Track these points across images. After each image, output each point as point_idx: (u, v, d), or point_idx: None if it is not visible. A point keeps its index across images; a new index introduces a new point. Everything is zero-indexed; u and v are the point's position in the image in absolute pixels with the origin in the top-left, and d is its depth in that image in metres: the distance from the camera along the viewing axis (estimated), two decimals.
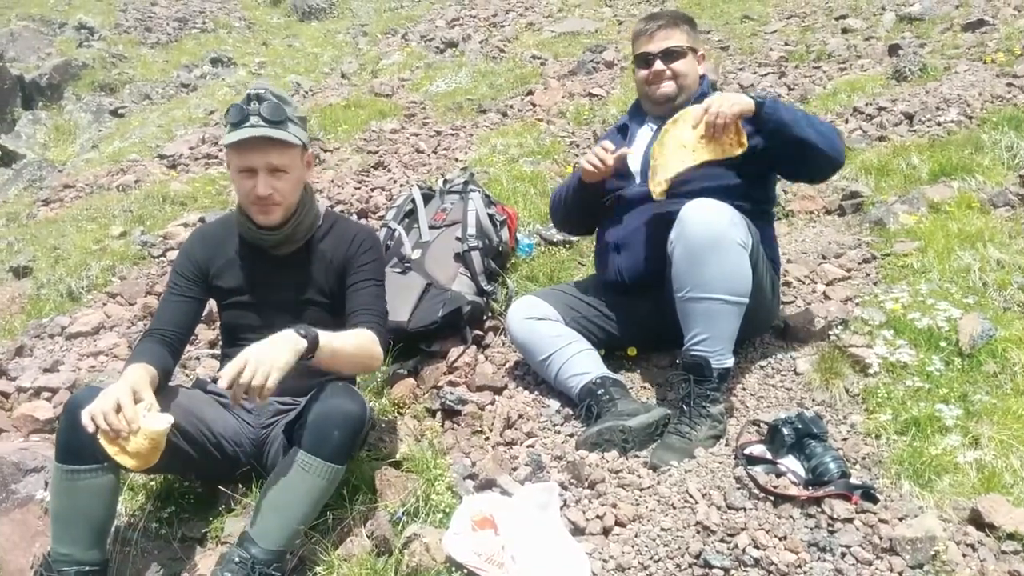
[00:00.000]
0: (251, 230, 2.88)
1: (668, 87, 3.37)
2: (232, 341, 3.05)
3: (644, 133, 3.46)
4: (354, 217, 5.49)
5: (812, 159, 3.10)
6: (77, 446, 2.48)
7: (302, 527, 2.52)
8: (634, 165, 3.38)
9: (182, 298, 2.95)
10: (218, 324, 4.26)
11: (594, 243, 3.67)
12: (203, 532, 2.91)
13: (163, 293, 3.05)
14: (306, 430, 2.49)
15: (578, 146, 6.58)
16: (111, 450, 2.42)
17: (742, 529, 2.43)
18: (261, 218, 2.83)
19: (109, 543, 2.69)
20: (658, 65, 3.36)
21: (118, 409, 2.40)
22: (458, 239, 4.01)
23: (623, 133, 3.54)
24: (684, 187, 3.09)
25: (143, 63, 14.27)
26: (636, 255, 3.29)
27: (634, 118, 3.58)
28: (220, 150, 8.12)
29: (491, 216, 4.19)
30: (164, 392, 2.67)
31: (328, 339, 2.60)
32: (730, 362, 2.96)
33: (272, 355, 2.42)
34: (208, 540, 2.88)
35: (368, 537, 2.62)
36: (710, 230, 2.82)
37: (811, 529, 2.42)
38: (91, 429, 2.39)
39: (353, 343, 2.72)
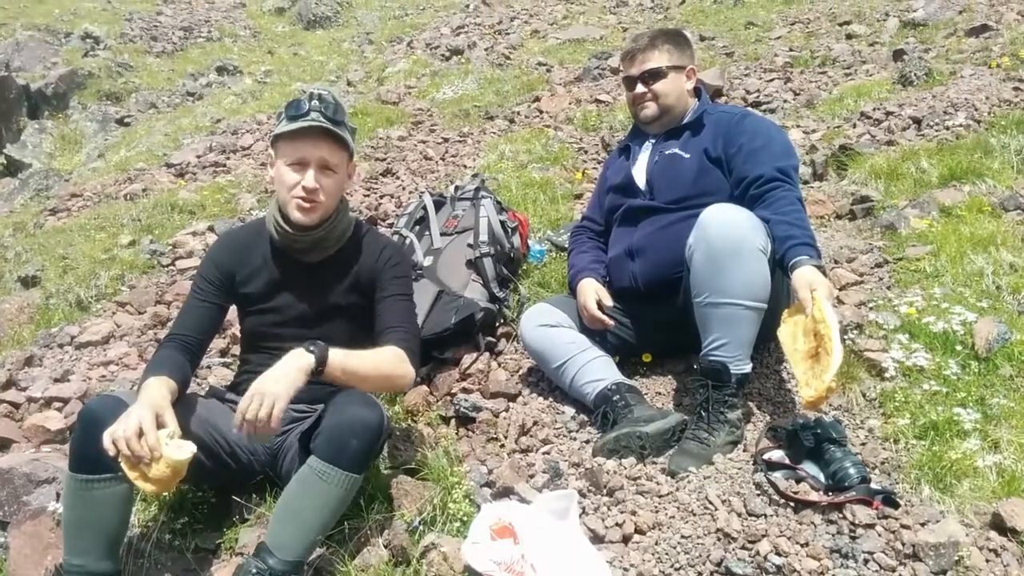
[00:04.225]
0: (285, 231, 2.84)
1: (649, 109, 3.48)
2: (252, 348, 3.04)
3: (645, 150, 3.55)
4: None
5: None
6: (91, 455, 2.45)
7: (319, 537, 2.49)
8: (639, 180, 3.47)
9: (205, 303, 2.93)
10: (228, 333, 4.29)
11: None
12: (217, 543, 2.88)
13: (186, 298, 3.02)
14: (323, 439, 2.45)
15: (586, 152, 6.58)
16: (131, 475, 2.40)
17: (763, 536, 2.41)
18: (299, 215, 2.78)
19: (122, 554, 2.67)
20: (639, 88, 3.46)
21: (140, 434, 2.38)
22: (470, 246, 4.00)
23: (626, 154, 3.65)
24: (691, 200, 3.23)
25: (149, 72, 14.31)
26: (651, 261, 3.30)
27: (635, 138, 3.67)
28: (228, 158, 8.14)
29: (503, 222, 4.17)
30: (181, 401, 2.65)
31: (341, 356, 2.59)
32: (748, 367, 2.95)
33: (275, 384, 2.44)
34: (222, 551, 2.86)
35: (385, 547, 2.60)
36: (731, 234, 2.81)
37: (833, 535, 2.41)
38: (112, 453, 2.37)
39: (372, 363, 2.69)
